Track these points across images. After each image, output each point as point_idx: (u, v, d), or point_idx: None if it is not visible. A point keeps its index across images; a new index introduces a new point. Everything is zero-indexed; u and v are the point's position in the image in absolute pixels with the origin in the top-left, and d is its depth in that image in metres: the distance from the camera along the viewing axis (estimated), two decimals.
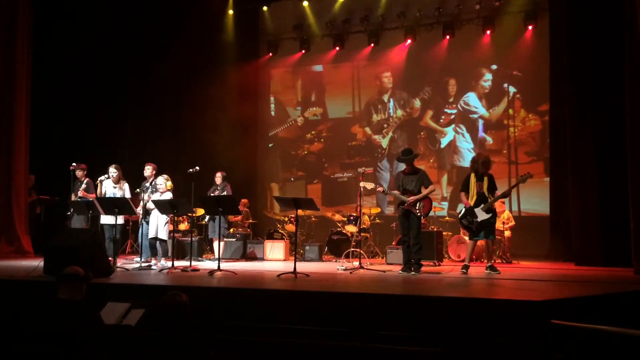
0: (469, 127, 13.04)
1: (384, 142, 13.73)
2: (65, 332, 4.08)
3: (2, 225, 10.73)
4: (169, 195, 9.19)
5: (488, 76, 12.92)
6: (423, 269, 8.49)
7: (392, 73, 13.77)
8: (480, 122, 12.94)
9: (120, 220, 9.18)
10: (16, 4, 11.06)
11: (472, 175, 8.34)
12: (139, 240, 9.52)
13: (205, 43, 13.34)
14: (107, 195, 9.31)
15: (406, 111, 13.60)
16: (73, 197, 9.74)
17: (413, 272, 8.19)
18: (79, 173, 9.89)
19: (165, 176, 9.36)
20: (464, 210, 8.39)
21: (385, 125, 13.76)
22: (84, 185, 9.81)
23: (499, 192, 8.30)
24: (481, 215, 8.17)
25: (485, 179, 8.27)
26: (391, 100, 13.79)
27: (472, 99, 13.06)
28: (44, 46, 11.65)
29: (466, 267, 8.26)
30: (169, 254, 9.54)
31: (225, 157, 12.67)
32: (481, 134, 12.85)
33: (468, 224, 8.30)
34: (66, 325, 4.18)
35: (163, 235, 9.23)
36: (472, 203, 8.26)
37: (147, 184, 9.36)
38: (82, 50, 12.09)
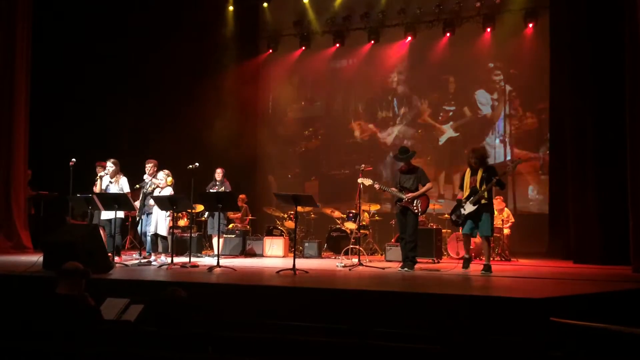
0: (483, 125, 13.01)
1: (389, 140, 13.77)
2: (64, 327, 4.08)
3: (0, 220, 10.71)
4: (169, 191, 9.18)
5: (499, 71, 12.90)
6: (423, 266, 8.47)
7: (392, 71, 13.76)
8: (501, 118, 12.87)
9: (118, 216, 9.15)
10: None
11: (468, 170, 8.07)
12: (140, 235, 9.55)
13: (205, 39, 13.32)
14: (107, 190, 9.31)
15: (410, 110, 13.60)
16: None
17: (406, 269, 8.19)
18: (99, 170, 9.84)
19: (166, 171, 9.34)
20: (455, 205, 8.17)
21: (391, 124, 13.76)
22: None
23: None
24: (468, 207, 7.84)
25: (480, 172, 7.86)
26: (394, 99, 13.78)
27: (481, 96, 13.04)
28: (44, 41, 11.61)
29: (467, 261, 8.10)
30: (169, 250, 9.55)
31: (225, 153, 12.69)
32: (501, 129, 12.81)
33: (456, 219, 8.04)
34: (65, 320, 4.19)
35: (163, 231, 9.23)
36: (464, 197, 7.97)
37: (148, 180, 9.35)
38: (81, 46, 12.07)
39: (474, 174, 7.95)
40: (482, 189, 7.75)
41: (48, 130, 11.80)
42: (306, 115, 14.44)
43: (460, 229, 8.22)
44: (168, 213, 9.13)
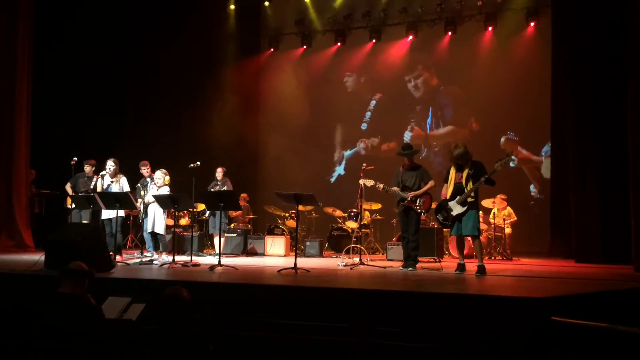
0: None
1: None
2: (67, 325, 4.09)
3: (2, 219, 10.71)
4: (166, 190, 9.20)
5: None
6: (424, 265, 8.46)
7: (391, 69, 13.74)
8: None
9: (121, 214, 9.17)
10: None
11: (452, 166, 7.81)
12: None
13: (206, 38, 13.31)
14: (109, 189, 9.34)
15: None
16: (68, 188, 9.75)
17: (410, 269, 8.19)
18: (87, 168, 9.87)
19: (164, 170, 9.36)
20: (438, 203, 7.93)
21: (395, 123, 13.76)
22: (93, 184, 9.76)
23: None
24: (456, 208, 7.58)
25: (466, 168, 7.60)
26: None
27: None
28: (45, 40, 11.62)
29: (461, 267, 7.77)
30: (169, 248, 9.56)
31: (226, 151, 12.68)
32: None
33: (443, 220, 7.78)
34: (68, 319, 4.19)
35: (160, 229, 9.23)
36: (448, 195, 7.70)
37: (148, 180, 9.37)
38: (82, 44, 12.07)
39: (459, 170, 7.72)
40: (469, 188, 7.54)
41: (50, 129, 11.80)
42: (308, 114, 14.39)
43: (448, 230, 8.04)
44: (165, 211, 9.16)
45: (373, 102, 14.00)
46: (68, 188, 9.92)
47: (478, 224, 7.68)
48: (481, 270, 7.53)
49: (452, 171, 7.78)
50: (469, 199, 7.55)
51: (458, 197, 7.60)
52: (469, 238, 8.24)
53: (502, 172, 7.78)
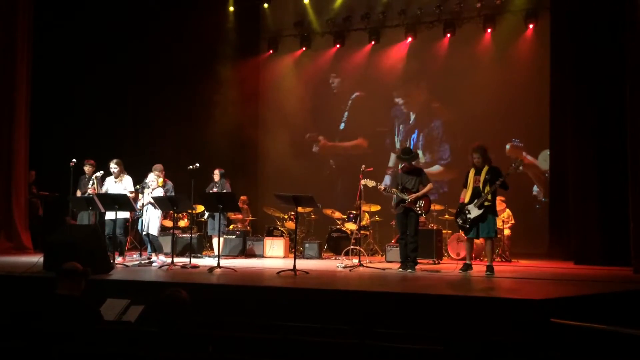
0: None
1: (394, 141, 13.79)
2: (64, 327, 4.08)
3: (1, 221, 10.71)
4: (160, 192, 9.22)
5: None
6: (423, 267, 8.47)
7: (392, 71, 13.73)
8: None
9: (120, 215, 9.16)
10: None
11: (472, 169, 7.97)
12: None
13: (205, 40, 13.31)
14: (108, 191, 9.33)
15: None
16: (79, 193, 9.72)
17: (409, 270, 8.20)
18: (87, 169, 9.86)
19: (157, 173, 9.38)
20: (458, 208, 8.08)
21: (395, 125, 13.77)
22: (90, 184, 9.77)
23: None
24: (474, 211, 7.78)
25: (484, 172, 7.79)
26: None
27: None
28: (45, 41, 11.62)
29: (466, 267, 8.01)
30: (163, 249, 9.57)
31: (225, 153, 12.68)
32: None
33: (462, 223, 7.94)
34: (66, 320, 4.19)
35: (153, 231, 9.23)
36: (467, 199, 7.89)
37: (148, 181, 9.39)
38: (82, 46, 12.07)
39: (477, 173, 7.89)
40: (486, 191, 7.71)
41: (50, 130, 11.79)
42: (307, 116, 14.41)
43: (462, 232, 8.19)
44: (160, 213, 9.17)
45: (349, 102, 14.07)
46: (78, 194, 9.83)
47: (495, 226, 7.98)
48: (491, 269, 7.81)
49: (471, 174, 7.96)
50: (486, 203, 7.74)
51: (476, 201, 7.77)
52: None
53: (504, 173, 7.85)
